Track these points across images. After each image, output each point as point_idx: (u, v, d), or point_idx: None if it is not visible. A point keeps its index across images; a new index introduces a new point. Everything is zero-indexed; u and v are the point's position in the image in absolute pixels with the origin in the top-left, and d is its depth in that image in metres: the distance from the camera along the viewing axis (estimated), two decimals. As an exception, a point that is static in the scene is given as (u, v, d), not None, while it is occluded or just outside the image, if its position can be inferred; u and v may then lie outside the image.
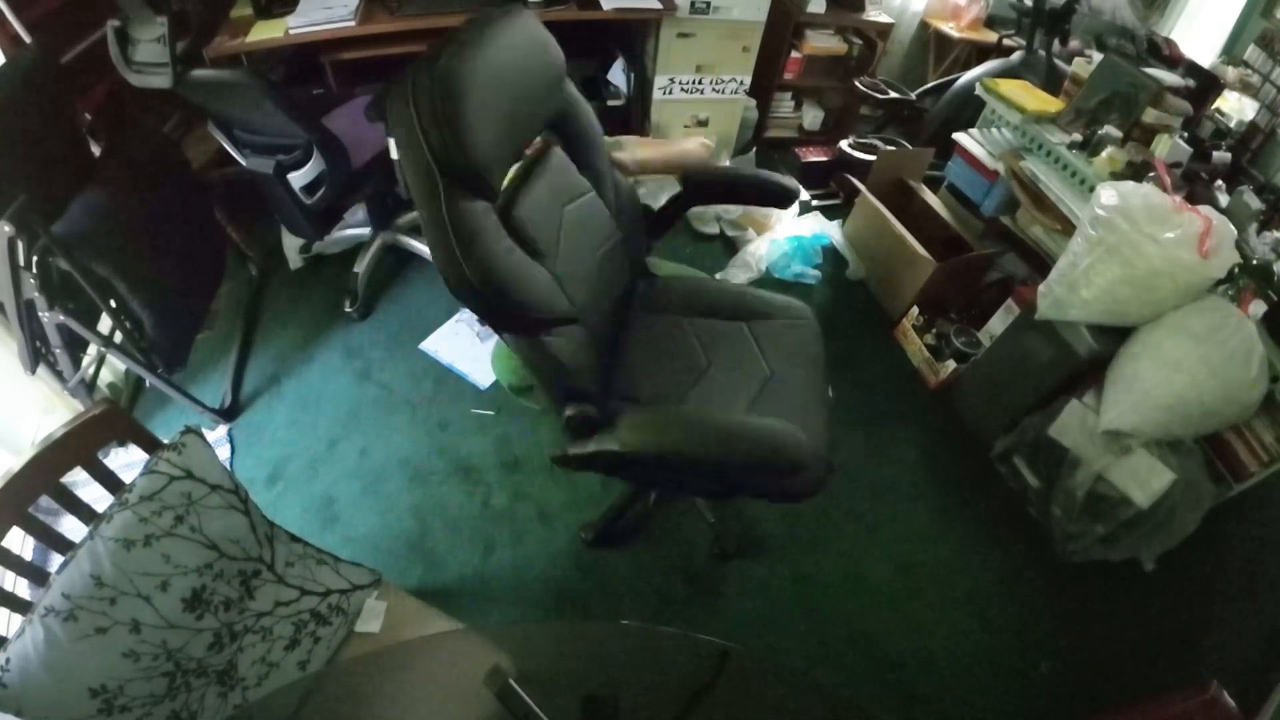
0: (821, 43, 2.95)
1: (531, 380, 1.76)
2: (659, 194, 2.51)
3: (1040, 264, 2.11)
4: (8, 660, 0.80)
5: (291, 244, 2.33)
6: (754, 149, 3.06)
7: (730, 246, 2.67)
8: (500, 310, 1.04)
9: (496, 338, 2.16)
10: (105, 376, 1.90)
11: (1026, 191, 2.13)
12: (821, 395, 1.36)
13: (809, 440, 1.07)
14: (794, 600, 1.68)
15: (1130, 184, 1.69)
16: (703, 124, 2.85)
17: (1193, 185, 1.90)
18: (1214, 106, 2.42)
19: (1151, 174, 1.79)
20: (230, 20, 2.06)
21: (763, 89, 2.97)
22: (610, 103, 2.74)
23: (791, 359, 1.42)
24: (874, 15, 2.90)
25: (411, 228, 2.37)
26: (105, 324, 1.68)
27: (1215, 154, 2.10)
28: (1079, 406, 1.77)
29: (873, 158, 2.70)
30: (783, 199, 1.50)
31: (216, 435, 1.85)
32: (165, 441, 0.98)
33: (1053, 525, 1.80)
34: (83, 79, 1.85)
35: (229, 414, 1.90)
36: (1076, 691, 1.60)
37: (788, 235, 2.55)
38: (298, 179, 1.80)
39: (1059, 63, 2.64)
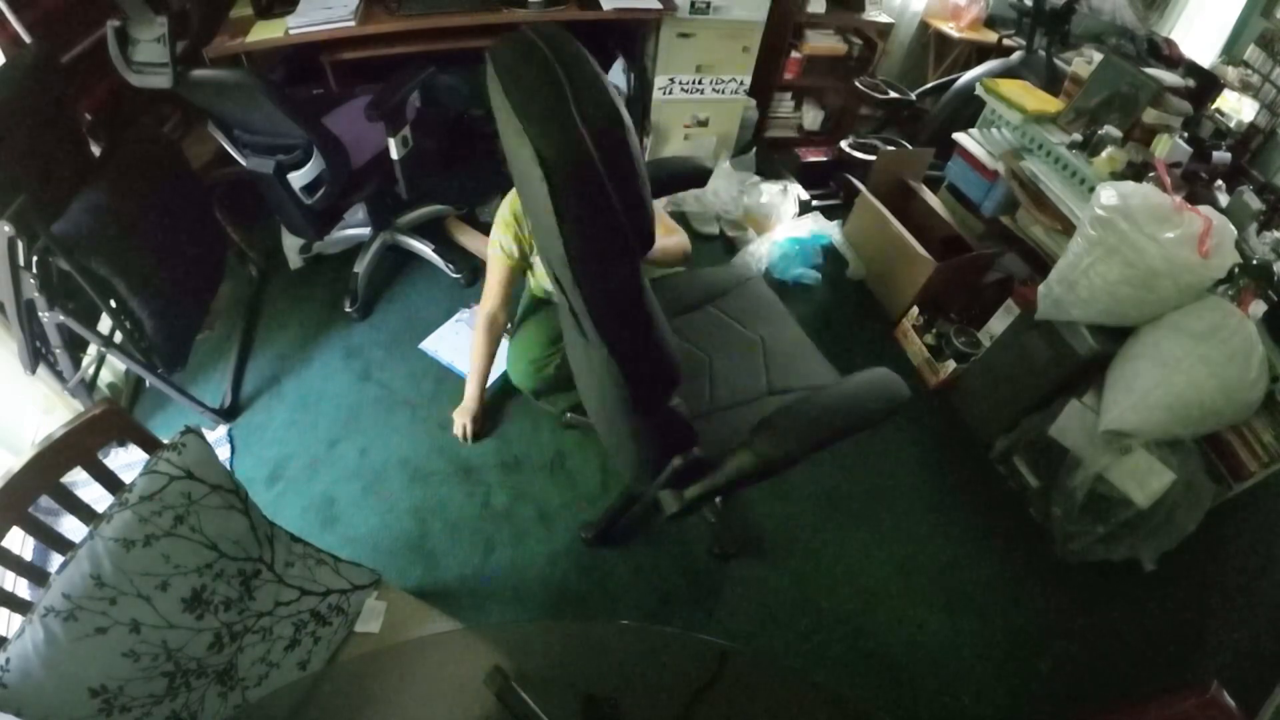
0: (821, 43, 2.95)
1: (549, 379, 1.77)
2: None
3: (1040, 264, 2.11)
4: (8, 660, 0.80)
5: (291, 244, 2.33)
6: (754, 149, 3.06)
7: (730, 247, 2.67)
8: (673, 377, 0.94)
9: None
10: (105, 376, 1.90)
11: (1026, 191, 2.13)
12: (802, 335, 1.47)
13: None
14: (794, 600, 1.67)
15: (1130, 184, 1.69)
16: (703, 124, 2.85)
17: (1193, 185, 1.90)
18: (1214, 106, 2.42)
19: (1151, 174, 1.79)
20: (230, 20, 2.06)
21: (763, 89, 2.97)
22: (610, 103, 2.73)
23: (765, 318, 1.49)
24: (874, 15, 2.90)
25: (411, 228, 2.37)
26: (105, 324, 1.68)
27: (1215, 154, 2.10)
28: (1079, 406, 1.77)
29: (873, 158, 2.70)
30: (698, 179, 1.57)
31: (216, 435, 1.84)
32: (165, 441, 0.98)
33: (1053, 525, 1.80)
34: (83, 79, 1.85)
35: (229, 414, 1.90)
36: (1076, 691, 1.60)
37: (788, 236, 2.55)
38: (298, 179, 1.80)
39: (1059, 63, 2.64)
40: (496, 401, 1.98)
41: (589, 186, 0.66)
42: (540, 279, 1.71)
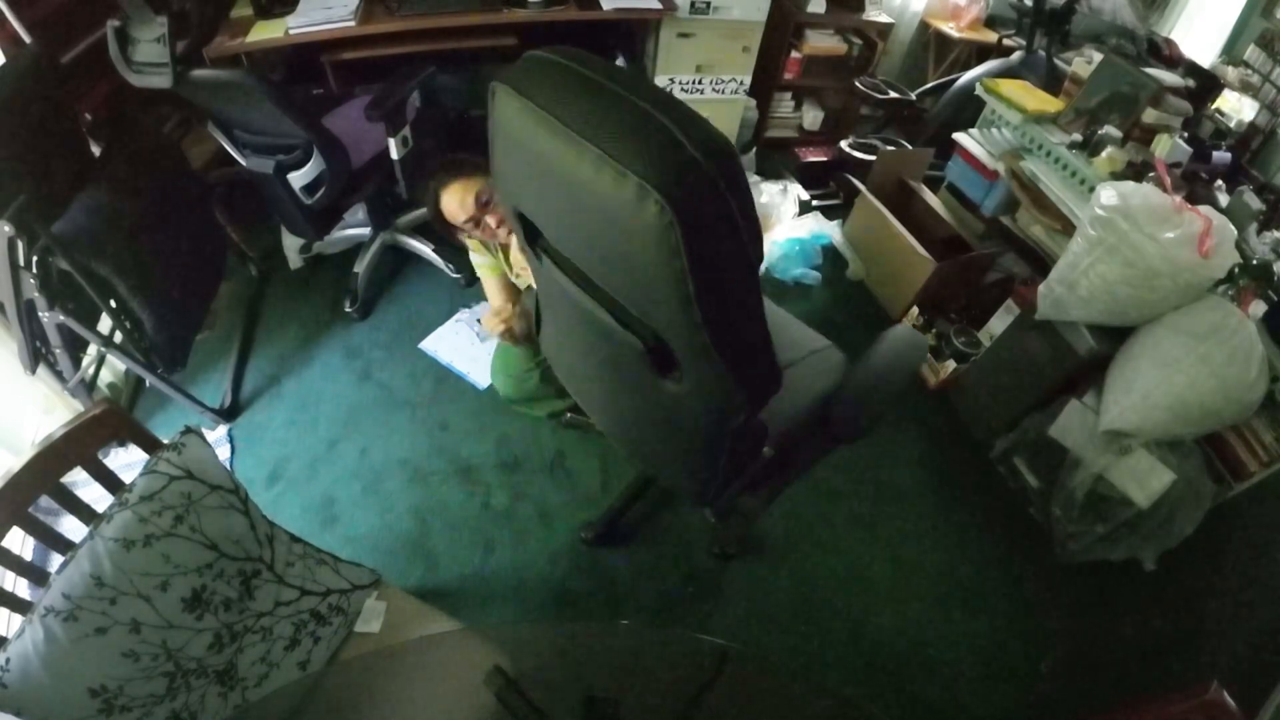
0: (821, 43, 2.95)
1: (530, 390, 1.76)
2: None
3: (1040, 264, 2.11)
4: (8, 660, 0.80)
5: (291, 244, 2.33)
6: (754, 149, 3.05)
7: (730, 246, 2.67)
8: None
9: (496, 339, 2.15)
10: (105, 376, 1.90)
11: (1026, 191, 2.13)
12: (777, 308, 1.50)
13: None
14: (794, 600, 1.67)
15: (1130, 184, 1.69)
16: (703, 124, 2.85)
17: (1193, 185, 1.90)
18: (1214, 106, 2.42)
19: (1151, 174, 1.79)
20: (230, 20, 2.07)
21: (763, 89, 2.97)
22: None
23: None
24: (874, 15, 2.90)
25: (411, 228, 2.37)
26: (105, 324, 1.68)
27: (1215, 154, 2.10)
28: (1079, 406, 1.77)
29: (873, 158, 2.70)
30: None
31: (216, 435, 1.84)
32: (165, 441, 0.98)
33: (1053, 525, 1.80)
34: (83, 79, 1.85)
35: (229, 414, 1.90)
36: (1076, 691, 1.60)
37: (788, 236, 2.55)
38: (298, 179, 1.80)
39: (1059, 63, 2.64)
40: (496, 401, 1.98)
41: (719, 217, 0.62)
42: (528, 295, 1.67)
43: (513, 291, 1.68)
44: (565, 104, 0.64)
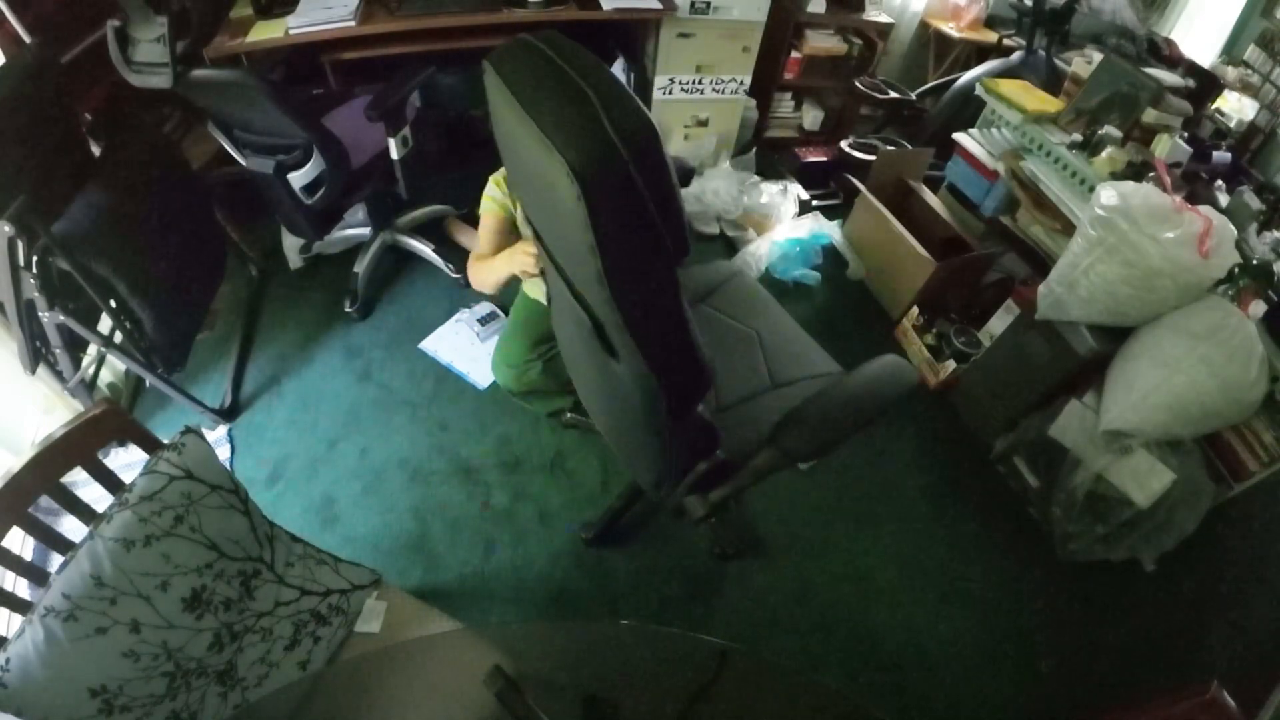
0: (821, 43, 2.95)
1: (531, 383, 1.76)
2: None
3: (1040, 264, 2.11)
4: (8, 660, 0.80)
5: (291, 244, 2.33)
6: (754, 149, 3.05)
7: (730, 247, 2.67)
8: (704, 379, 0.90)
9: (496, 338, 2.15)
10: (105, 376, 1.90)
11: (1026, 191, 2.13)
12: (796, 325, 1.48)
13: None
14: (794, 600, 1.67)
15: (1130, 184, 1.69)
16: (703, 124, 2.85)
17: (1193, 185, 1.91)
18: (1214, 106, 2.42)
19: (1151, 174, 1.79)
20: (230, 20, 2.06)
21: (763, 89, 2.97)
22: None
23: (756, 312, 1.49)
24: (874, 15, 2.90)
25: (411, 228, 2.37)
26: (105, 324, 1.68)
27: (1215, 154, 2.10)
28: (1079, 406, 1.77)
29: (873, 158, 2.70)
30: (681, 179, 1.55)
31: (216, 435, 1.84)
32: (165, 441, 0.98)
33: (1053, 525, 1.80)
34: (83, 79, 1.85)
35: (229, 414, 1.90)
36: (1076, 691, 1.60)
37: (788, 236, 2.55)
38: (298, 179, 1.80)
39: (1059, 63, 2.64)
40: (496, 401, 1.98)
41: (626, 197, 0.64)
42: (532, 287, 1.68)
43: (504, 239, 1.63)
44: (523, 81, 0.68)
